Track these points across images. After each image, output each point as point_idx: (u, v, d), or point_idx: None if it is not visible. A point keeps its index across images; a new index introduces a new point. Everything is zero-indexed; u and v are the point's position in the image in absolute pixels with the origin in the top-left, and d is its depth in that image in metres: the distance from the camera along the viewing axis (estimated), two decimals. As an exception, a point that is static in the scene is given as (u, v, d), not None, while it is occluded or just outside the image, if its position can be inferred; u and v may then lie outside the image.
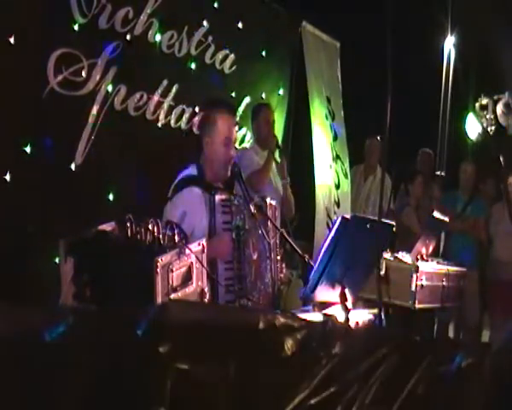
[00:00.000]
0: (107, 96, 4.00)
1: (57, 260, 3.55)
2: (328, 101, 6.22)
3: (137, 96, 4.21)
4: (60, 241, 2.37)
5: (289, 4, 5.76)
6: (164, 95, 4.43)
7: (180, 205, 3.12)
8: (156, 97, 4.37)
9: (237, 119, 5.05)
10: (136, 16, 4.17)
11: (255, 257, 3.27)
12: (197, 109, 4.66)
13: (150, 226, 2.41)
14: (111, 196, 4.06)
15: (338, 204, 6.12)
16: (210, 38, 4.80)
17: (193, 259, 2.49)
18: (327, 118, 6.12)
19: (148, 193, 4.17)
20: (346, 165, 6.41)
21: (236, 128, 3.51)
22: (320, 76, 6.10)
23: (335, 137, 6.28)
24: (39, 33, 3.60)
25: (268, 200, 3.45)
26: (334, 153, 6.17)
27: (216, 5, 4.90)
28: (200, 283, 2.56)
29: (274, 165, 5.18)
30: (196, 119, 4.67)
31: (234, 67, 5.09)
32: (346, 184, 6.33)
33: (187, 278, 2.47)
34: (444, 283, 4.71)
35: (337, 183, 6.17)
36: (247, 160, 4.83)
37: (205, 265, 2.58)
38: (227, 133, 3.28)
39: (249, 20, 5.25)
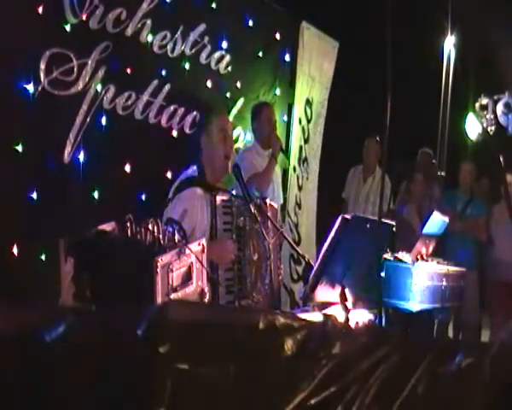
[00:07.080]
0: (96, 96, 4.00)
1: (43, 257, 3.61)
2: (309, 103, 6.22)
3: (125, 95, 4.21)
4: (60, 241, 2.37)
5: (289, 4, 5.75)
6: (154, 95, 4.41)
7: (181, 203, 3.15)
8: (145, 97, 4.36)
9: (231, 119, 5.08)
10: (129, 17, 4.16)
11: (255, 258, 3.28)
12: (190, 109, 4.66)
13: (150, 226, 2.41)
14: (98, 196, 4.03)
15: (299, 205, 6.18)
16: (206, 39, 4.78)
17: (193, 259, 2.49)
18: (300, 122, 6.12)
19: (137, 193, 4.19)
20: (313, 168, 6.45)
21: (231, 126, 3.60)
22: (305, 78, 6.10)
23: (307, 140, 6.29)
24: (32, 33, 3.60)
25: (268, 201, 3.46)
26: (301, 155, 6.21)
27: (214, 5, 4.88)
28: (200, 283, 2.56)
29: (277, 168, 5.17)
30: (188, 119, 4.67)
31: (229, 68, 5.06)
32: (309, 186, 6.39)
33: (187, 278, 2.47)
34: (444, 283, 4.70)
35: (300, 185, 6.21)
36: (248, 161, 4.82)
37: (205, 265, 2.58)
38: (223, 128, 3.40)
39: (248, 21, 5.24)
